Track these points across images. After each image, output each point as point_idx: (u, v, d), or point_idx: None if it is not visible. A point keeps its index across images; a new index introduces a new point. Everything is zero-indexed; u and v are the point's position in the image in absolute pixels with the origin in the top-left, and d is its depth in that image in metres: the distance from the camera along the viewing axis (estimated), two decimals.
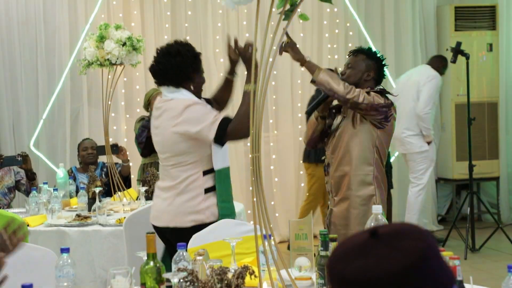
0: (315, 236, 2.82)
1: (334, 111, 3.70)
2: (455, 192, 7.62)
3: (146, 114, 5.76)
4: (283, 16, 2.13)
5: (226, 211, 3.25)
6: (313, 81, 3.52)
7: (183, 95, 3.27)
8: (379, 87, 3.58)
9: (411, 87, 6.48)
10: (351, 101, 3.38)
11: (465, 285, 2.15)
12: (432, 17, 7.54)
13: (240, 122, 3.11)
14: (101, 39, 4.69)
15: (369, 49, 3.71)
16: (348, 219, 3.49)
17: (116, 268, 2.21)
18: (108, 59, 4.68)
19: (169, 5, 6.82)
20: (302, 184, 7.14)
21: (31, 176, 5.30)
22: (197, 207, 3.20)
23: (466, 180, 7.13)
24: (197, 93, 3.32)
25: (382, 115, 3.44)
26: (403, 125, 6.40)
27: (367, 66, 3.57)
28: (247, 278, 2.12)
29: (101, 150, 5.22)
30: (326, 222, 3.65)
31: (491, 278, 5.19)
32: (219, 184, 3.23)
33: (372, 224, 2.35)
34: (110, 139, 5.31)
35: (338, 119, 3.64)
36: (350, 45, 7.23)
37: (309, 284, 2.38)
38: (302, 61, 3.57)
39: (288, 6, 2.11)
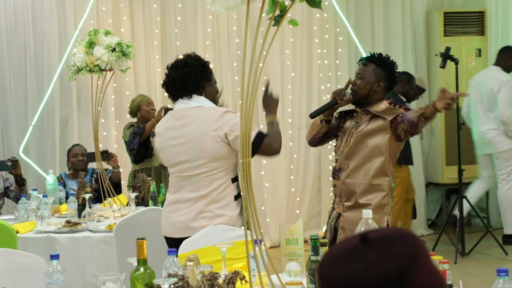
0: (305, 241, 2.82)
1: (343, 113, 3.71)
2: (444, 196, 7.64)
3: (135, 120, 5.75)
4: (273, 22, 2.13)
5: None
6: (425, 118, 3.42)
7: (209, 103, 3.33)
8: (402, 103, 3.59)
9: (486, 93, 6.60)
10: (417, 132, 3.43)
11: None
12: (421, 23, 7.58)
13: (275, 139, 3.21)
14: (91, 45, 4.68)
15: (380, 56, 3.63)
16: None
17: (107, 275, 2.20)
18: (97, 65, 4.67)
19: (158, 11, 6.82)
20: (293, 189, 7.14)
21: (20, 182, 5.28)
22: (232, 213, 3.25)
23: (455, 184, 7.15)
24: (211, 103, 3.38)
25: (412, 127, 3.45)
26: (486, 126, 6.57)
27: (377, 76, 3.54)
28: (238, 283, 2.12)
29: (91, 156, 5.21)
30: (331, 225, 3.64)
31: (481, 282, 5.21)
32: None
33: (363, 229, 2.35)
34: (100, 145, 5.29)
35: (349, 123, 3.64)
36: (340, 50, 7.26)
37: None
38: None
39: (277, 12, 2.11)
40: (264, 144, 3.18)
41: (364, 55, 7.26)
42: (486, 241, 6.44)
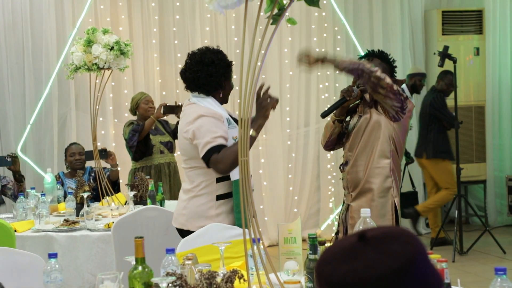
0: (304, 240, 2.83)
1: (349, 112, 3.73)
2: None
3: (135, 118, 5.75)
4: (271, 20, 2.13)
5: (240, 222, 3.24)
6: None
7: (206, 103, 3.34)
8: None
9: None
10: (374, 75, 3.36)
11: (453, 287, 2.15)
12: (419, 22, 7.59)
13: (224, 157, 3.15)
14: (89, 43, 4.67)
15: (381, 51, 3.72)
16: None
17: (105, 273, 2.19)
18: (95, 64, 4.66)
19: (157, 9, 6.81)
20: (291, 188, 7.14)
21: (19, 178, 5.27)
22: (208, 212, 3.27)
23: None
24: (224, 98, 3.43)
25: (399, 103, 3.46)
26: None
27: (383, 69, 3.58)
28: (236, 282, 2.12)
29: (89, 155, 5.20)
30: (342, 219, 3.67)
31: (479, 280, 5.22)
32: (237, 194, 3.20)
33: (361, 227, 2.35)
34: (98, 144, 5.29)
35: (355, 119, 3.67)
36: (338, 49, 7.25)
37: None
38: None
39: (276, 10, 2.11)
40: (211, 161, 3.19)
41: (362, 54, 7.29)
42: (484, 240, 6.45)
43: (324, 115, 3.65)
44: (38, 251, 3.77)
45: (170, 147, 5.72)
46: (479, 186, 7.66)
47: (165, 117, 5.63)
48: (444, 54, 6.26)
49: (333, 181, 7.24)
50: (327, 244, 2.36)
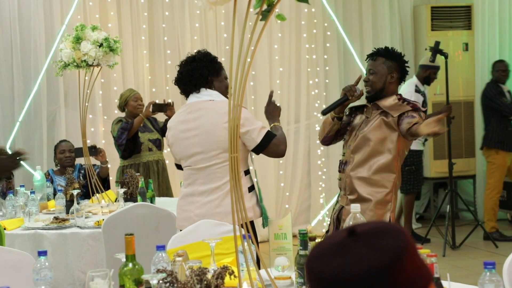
0: (294, 236, 2.83)
1: (353, 109, 3.71)
2: (432, 190, 7.68)
3: (123, 115, 5.73)
4: (261, 16, 2.13)
5: (264, 210, 3.47)
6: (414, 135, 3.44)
7: (220, 97, 3.39)
8: (418, 102, 3.60)
9: None
10: (416, 135, 3.41)
11: (442, 282, 2.16)
12: (409, 17, 7.61)
13: (282, 141, 3.34)
14: (78, 40, 4.65)
15: (387, 49, 3.66)
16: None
17: (95, 271, 2.19)
18: (84, 60, 4.64)
19: (146, 6, 6.79)
20: (282, 184, 7.15)
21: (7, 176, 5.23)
22: (246, 205, 3.24)
23: (443, 178, 7.21)
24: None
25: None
26: None
27: (389, 68, 3.56)
28: (227, 278, 2.12)
29: (79, 152, 5.18)
30: (333, 218, 3.66)
31: (469, 275, 5.25)
32: (257, 184, 3.46)
33: (350, 223, 2.36)
34: (88, 141, 5.27)
35: (359, 118, 3.64)
36: (328, 45, 7.26)
37: (289, 284, 2.39)
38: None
39: (265, 6, 2.11)
40: (273, 144, 3.29)
41: (352, 50, 7.33)
42: (475, 234, 6.49)
43: (324, 112, 3.65)
44: (27, 249, 3.75)
45: (159, 145, 5.70)
46: (469, 181, 7.69)
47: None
48: (436, 50, 6.27)
49: (323, 177, 7.25)
50: (318, 240, 2.36)
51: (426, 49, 6.74)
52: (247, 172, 3.39)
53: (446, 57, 6.23)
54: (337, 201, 3.70)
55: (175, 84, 3.53)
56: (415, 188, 6.71)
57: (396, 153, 3.49)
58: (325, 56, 7.29)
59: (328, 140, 3.76)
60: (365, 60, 3.75)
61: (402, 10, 7.57)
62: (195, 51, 3.54)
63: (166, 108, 5.39)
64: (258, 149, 3.31)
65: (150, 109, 5.40)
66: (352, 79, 7.25)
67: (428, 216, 7.55)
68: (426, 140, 6.84)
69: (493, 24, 7.52)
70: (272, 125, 3.40)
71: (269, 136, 3.29)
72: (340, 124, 3.67)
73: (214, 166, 3.33)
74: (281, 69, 7.11)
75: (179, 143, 3.44)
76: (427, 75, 6.60)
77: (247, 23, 2.12)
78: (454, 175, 6.73)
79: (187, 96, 3.48)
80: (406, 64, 3.63)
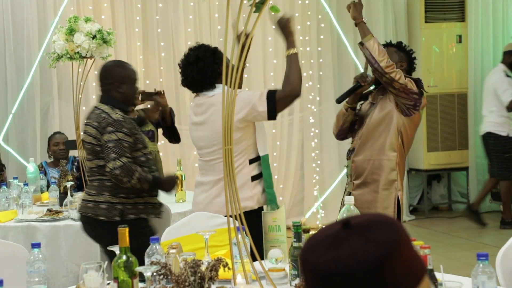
0: (288, 228, 2.83)
1: (361, 99, 3.73)
2: (426, 182, 7.71)
3: None
4: (254, 8, 2.12)
5: (271, 196, 3.34)
6: (361, 43, 3.54)
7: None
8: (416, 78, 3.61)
9: None
10: (387, 76, 3.40)
11: (436, 273, 2.17)
12: (402, 10, 7.60)
13: (290, 83, 3.20)
14: (71, 32, 4.63)
15: (399, 42, 3.76)
16: (370, 202, 3.54)
17: (89, 263, 2.19)
18: (78, 52, 4.62)
19: None
20: (276, 177, 7.15)
21: None
22: (245, 194, 3.25)
23: (436, 170, 7.23)
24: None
25: (411, 102, 3.47)
26: None
27: (400, 57, 3.61)
28: (221, 271, 2.12)
29: (71, 144, 5.16)
30: (342, 204, 3.67)
31: (462, 266, 5.27)
32: (265, 170, 3.32)
33: (344, 215, 2.37)
34: (81, 133, 5.24)
35: (366, 106, 3.67)
36: (322, 37, 7.25)
37: (283, 276, 2.39)
38: (358, 20, 3.65)
39: None
40: (279, 98, 3.20)
41: (346, 42, 7.32)
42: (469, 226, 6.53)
43: (339, 100, 3.66)
44: (21, 241, 3.75)
45: (152, 136, 5.68)
46: (462, 173, 7.72)
47: (142, 105, 5.56)
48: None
49: (317, 169, 7.26)
50: (312, 232, 2.37)
51: None
52: (253, 160, 3.33)
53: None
54: (345, 189, 3.73)
55: (184, 86, 3.48)
56: None
57: (396, 131, 3.52)
58: (319, 49, 7.28)
59: (342, 133, 3.76)
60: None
61: (396, 2, 7.57)
62: (192, 47, 3.46)
63: (155, 96, 5.35)
64: (271, 115, 3.25)
65: (139, 98, 5.36)
66: (346, 72, 7.26)
67: (422, 208, 7.58)
68: None
69: (486, 16, 7.53)
70: (286, 53, 3.25)
71: (271, 97, 3.20)
72: (353, 114, 3.68)
73: (215, 161, 3.34)
74: (275, 61, 7.10)
75: (190, 136, 3.52)
76: None
77: (240, 15, 2.12)
78: (447, 167, 6.77)
79: (198, 93, 3.45)
80: (414, 61, 3.69)
